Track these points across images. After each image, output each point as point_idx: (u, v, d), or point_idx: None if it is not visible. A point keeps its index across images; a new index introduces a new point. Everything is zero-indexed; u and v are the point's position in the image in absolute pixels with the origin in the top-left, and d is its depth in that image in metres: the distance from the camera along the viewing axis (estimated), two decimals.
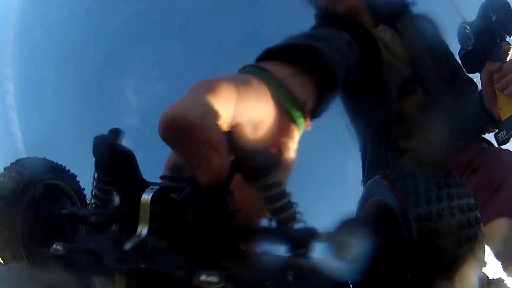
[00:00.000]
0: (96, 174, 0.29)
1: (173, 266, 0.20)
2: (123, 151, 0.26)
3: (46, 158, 0.37)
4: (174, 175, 0.26)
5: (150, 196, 0.23)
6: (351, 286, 0.21)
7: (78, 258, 0.21)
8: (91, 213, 0.27)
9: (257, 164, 0.23)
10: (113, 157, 0.26)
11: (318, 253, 0.22)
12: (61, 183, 0.35)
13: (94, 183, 0.29)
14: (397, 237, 0.21)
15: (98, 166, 0.28)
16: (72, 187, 0.35)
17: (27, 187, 0.32)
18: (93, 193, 0.29)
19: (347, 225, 0.22)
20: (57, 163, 0.36)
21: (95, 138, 0.27)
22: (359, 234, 0.21)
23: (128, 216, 0.23)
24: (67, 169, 0.36)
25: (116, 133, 0.28)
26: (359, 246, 0.21)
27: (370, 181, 0.25)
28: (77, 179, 0.36)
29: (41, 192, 0.34)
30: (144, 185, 0.24)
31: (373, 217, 0.25)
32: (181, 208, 0.22)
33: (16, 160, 0.33)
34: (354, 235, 0.21)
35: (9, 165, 0.33)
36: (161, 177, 0.26)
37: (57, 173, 0.35)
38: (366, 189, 0.26)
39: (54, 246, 0.21)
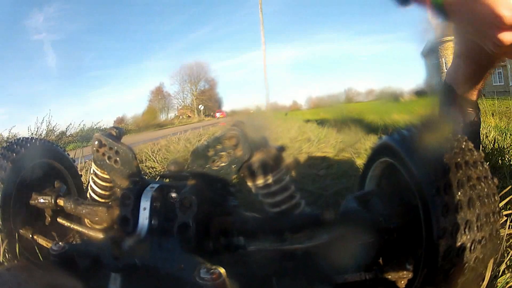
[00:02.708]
0: (94, 171, 0.28)
1: (173, 262, 0.21)
2: (123, 149, 0.26)
3: (45, 139, 0.35)
4: (173, 174, 0.26)
5: (150, 195, 0.24)
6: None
7: (77, 258, 0.22)
8: (88, 209, 0.27)
9: (261, 162, 0.24)
10: (112, 155, 0.26)
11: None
12: (58, 165, 0.34)
13: (93, 179, 0.29)
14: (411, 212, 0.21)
15: (96, 163, 0.28)
16: (69, 170, 0.34)
17: (23, 166, 0.30)
18: (92, 188, 0.29)
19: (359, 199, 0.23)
20: (56, 145, 0.35)
21: (95, 135, 0.26)
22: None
23: (128, 214, 0.24)
24: (66, 153, 0.35)
25: (116, 131, 0.27)
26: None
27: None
28: (74, 163, 0.35)
29: (37, 173, 0.32)
30: (144, 184, 0.25)
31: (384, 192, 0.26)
32: (180, 206, 0.22)
33: (15, 139, 0.32)
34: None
35: (6, 144, 0.32)
36: (160, 176, 0.26)
37: (54, 155, 0.33)
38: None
39: (53, 246, 0.22)
